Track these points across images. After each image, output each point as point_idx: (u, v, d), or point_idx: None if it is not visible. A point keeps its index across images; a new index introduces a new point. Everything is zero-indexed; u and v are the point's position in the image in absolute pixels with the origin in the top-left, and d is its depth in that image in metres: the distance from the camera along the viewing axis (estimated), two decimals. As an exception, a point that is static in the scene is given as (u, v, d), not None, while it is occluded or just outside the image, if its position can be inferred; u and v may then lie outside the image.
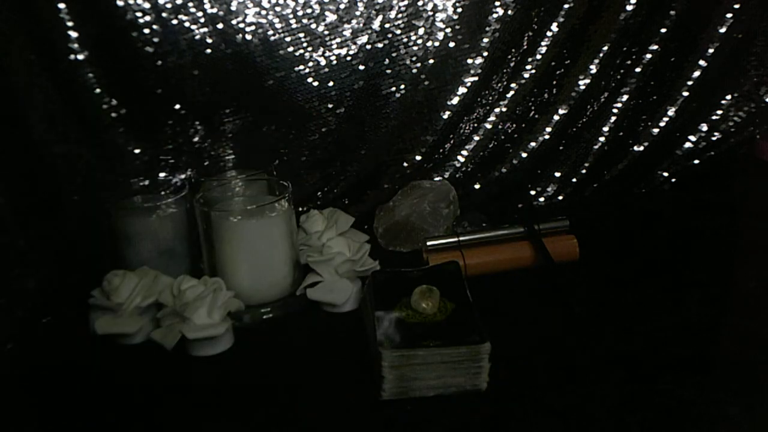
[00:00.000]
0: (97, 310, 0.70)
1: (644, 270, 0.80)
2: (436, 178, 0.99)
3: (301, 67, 0.91)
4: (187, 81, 0.88)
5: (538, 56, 0.97)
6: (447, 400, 0.58)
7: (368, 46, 0.91)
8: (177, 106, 0.89)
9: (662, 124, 1.03)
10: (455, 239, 0.82)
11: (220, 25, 0.87)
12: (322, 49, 0.90)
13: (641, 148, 1.03)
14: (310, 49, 0.90)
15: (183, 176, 0.90)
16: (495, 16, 0.93)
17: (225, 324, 0.67)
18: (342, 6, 0.89)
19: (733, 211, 0.95)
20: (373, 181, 0.99)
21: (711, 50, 1.00)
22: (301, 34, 0.89)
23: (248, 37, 0.88)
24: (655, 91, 1.02)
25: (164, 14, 0.84)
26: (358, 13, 0.90)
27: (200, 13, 0.85)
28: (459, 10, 0.92)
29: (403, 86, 0.94)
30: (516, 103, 0.99)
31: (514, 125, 1.00)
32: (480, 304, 0.64)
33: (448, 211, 0.88)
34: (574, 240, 0.82)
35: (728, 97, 1.04)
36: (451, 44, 0.93)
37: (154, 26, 0.84)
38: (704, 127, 1.05)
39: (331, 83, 0.92)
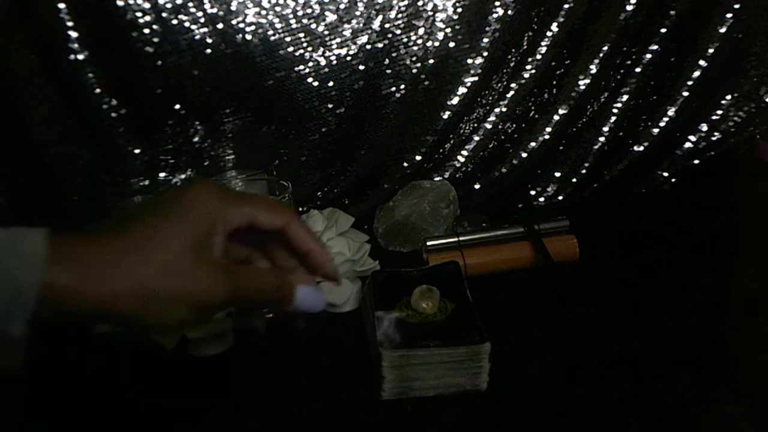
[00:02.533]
0: (97, 310, 0.70)
1: (644, 270, 0.80)
2: (436, 178, 1.00)
3: (301, 67, 0.91)
4: (187, 81, 0.88)
5: (538, 56, 0.97)
6: (447, 399, 0.58)
7: (368, 46, 0.91)
8: (177, 106, 0.89)
9: (662, 124, 1.03)
10: (455, 239, 0.82)
11: (220, 25, 0.87)
12: (322, 49, 0.90)
13: (641, 148, 1.03)
14: (310, 49, 0.90)
15: (183, 176, 0.90)
16: (495, 16, 0.93)
17: (225, 324, 0.67)
18: (342, 6, 0.89)
19: (733, 211, 0.95)
20: (373, 181, 0.99)
21: (711, 50, 1.00)
22: (301, 34, 0.89)
23: (248, 37, 0.88)
24: (655, 91, 1.02)
25: (164, 14, 0.84)
26: (358, 13, 0.90)
27: (200, 13, 0.85)
28: (459, 10, 0.92)
29: (403, 86, 0.94)
30: (516, 103, 0.99)
31: (514, 125, 1.00)
32: (480, 304, 0.64)
33: (448, 211, 0.88)
34: (574, 240, 0.82)
35: (728, 97, 1.04)
36: (451, 44, 0.93)
37: (154, 26, 0.84)
38: (704, 127, 1.05)
39: (331, 83, 0.92)
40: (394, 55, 0.93)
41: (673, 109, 1.02)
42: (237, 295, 0.41)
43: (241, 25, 0.87)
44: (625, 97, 1.02)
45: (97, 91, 0.85)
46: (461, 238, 0.82)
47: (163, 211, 0.40)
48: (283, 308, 0.45)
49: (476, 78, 0.95)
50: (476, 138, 1.00)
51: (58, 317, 0.37)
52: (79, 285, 0.36)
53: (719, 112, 1.04)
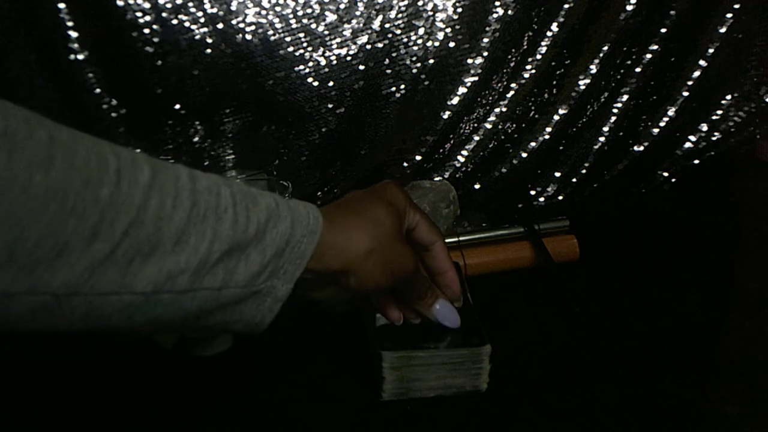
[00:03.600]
0: (97, 310, 0.70)
1: (644, 270, 0.80)
2: (436, 178, 1.00)
3: (301, 67, 0.91)
4: (187, 81, 0.88)
5: (538, 56, 0.97)
6: (447, 400, 0.58)
7: (368, 46, 0.91)
8: (177, 106, 0.89)
9: (662, 124, 1.03)
10: (455, 239, 0.82)
11: (220, 25, 0.87)
12: (322, 49, 0.90)
13: (641, 148, 1.03)
14: (310, 49, 0.90)
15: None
16: (495, 16, 0.93)
17: (225, 324, 0.67)
18: (342, 6, 0.89)
19: (733, 211, 0.95)
20: (373, 181, 0.98)
21: (711, 50, 1.00)
22: (301, 34, 0.89)
23: (248, 37, 0.88)
24: (655, 91, 1.02)
25: (164, 14, 0.84)
26: (358, 13, 0.90)
27: (200, 13, 0.85)
28: (459, 10, 0.92)
29: (403, 86, 0.94)
30: (516, 103, 0.99)
31: (514, 125, 1.00)
32: (480, 305, 0.64)
33: (448, 211, 0.88)
34: (574, 240, 0.82)
35: (728, 97, 1.04)
36: (451, 44, 0.93)
37: (154, 26, 0.84)
38: (704, 127, 1.05)
39: (331, 83, 0.92)
40: (394, 55, 0.93)
41: (673, 109, 1.02)
42: (413, 277, 0.51)
43: (241, 25, 0.87)
44: (625, 97, 1.02)
45: (97, 91, 0.85)
46: (461, 238, 0.82)
47: (372, 200, 0.50)
48: (423, 310, 0.54)
49: (476, 78, 0.95)
50: (476, 138, 1.00)
51: (305, 275, 0.44)
52: (343, 244, 0.46)
53: (719, 112, 1.04)
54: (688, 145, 1.05)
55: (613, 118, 1.02)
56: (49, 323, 0.37)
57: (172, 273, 0.37)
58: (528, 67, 0.97)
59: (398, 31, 0.92)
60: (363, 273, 0.47)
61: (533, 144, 1.01)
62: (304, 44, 0.90)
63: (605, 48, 0.98)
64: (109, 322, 0.37)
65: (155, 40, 0.85)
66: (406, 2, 0.91)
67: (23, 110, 0.34)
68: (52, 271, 0.34)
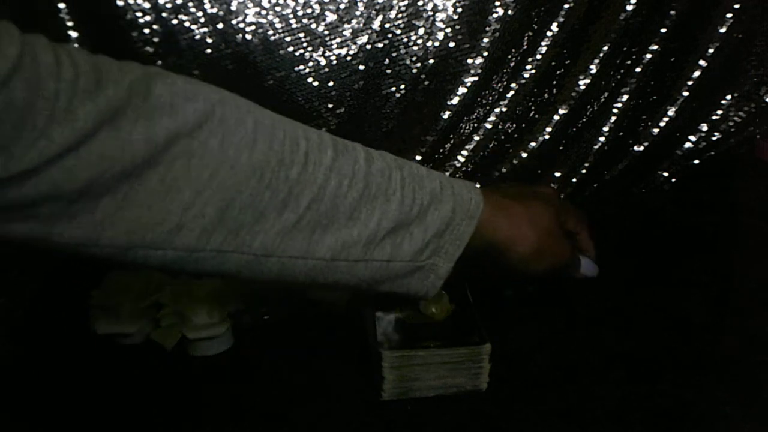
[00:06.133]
0: (97, 310, 0.70)
1: (644, 270, 0.80)
2: (436, 178, 0.99)
3: (301, 67, 0.91)
4: (187, 81, 0.88)
5: (538, 56, 0.97)
6: (447, 400, 0.58)
7: (368, 46, 0.91)
8: (177, 106, 0.89)
9: (662, 124, 1.03)
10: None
11: (220, 25, 0.87)
12: (322, 49, 0.90)
13: (641, 148, 1.03)
14: (310, 49, 0.90)
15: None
16: (495, 16, 0.93)
17: (225, 324, 0.67)
18: (342, 6, 0.89)
19: (733, 211, 0.95)
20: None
21: (711, 50, 1.00)
22: (301, 34, 0.89)
23: (248, 37, 0.88)
24: (655, 91, 1.02)
25: (164, 14, 0.84)
26: (358, 13, 0.90)
27: (200, 13, 0.85)
28: (459, 10, 0.92)
29: (403, 86, 0.94)
30: (516, 103, 0.99)
31: (514, 125, 1.00)
32: (480, 304, 0.64)
33: (448, 211, 0.88)
34: (574, 240, 0.82)
35: (728, 97, 1.04)
36: (451, 44, 0.93)
37: (154, 26, 0.84)
38: (704, 127, 1.05)
39: (331, 83, 0.92)
40: (394, 55, 0.93)
41: (673, 109, 1.02)
42: (570, 261, 0.59)
43: (241, 25, 0.87)
44: (625, 97, 1.01)
45: (97, 91, 0.85)
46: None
47: (534, 196, 0.56)
48: (575, 276, 0.62)
49: (476, 78, 0.95)
50: (476, 138, 1.00)
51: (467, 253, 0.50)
52: (504, 223, 0.52)
53: (719, 112, 1.04)
54: (688, 145, 1.05)
55: (613, 118, 1.02)
56: (250, 277, 0.44)
57: (347, 243, 0.44)
58: (528, 67, 0.97)
59: (398, 31, 0.92)
60: (523, 263, 0.53)
61: (533, 144, 1.01)
62: (304, 44, 0.90)
63: (605, 48, 0.98)
64: (296, 281, 0.45)
65: (155, 40, 0.85)
66: (406, 2, 0.91)
67: (237, 98, 0.45)
68: (252, 235, 0.41)
